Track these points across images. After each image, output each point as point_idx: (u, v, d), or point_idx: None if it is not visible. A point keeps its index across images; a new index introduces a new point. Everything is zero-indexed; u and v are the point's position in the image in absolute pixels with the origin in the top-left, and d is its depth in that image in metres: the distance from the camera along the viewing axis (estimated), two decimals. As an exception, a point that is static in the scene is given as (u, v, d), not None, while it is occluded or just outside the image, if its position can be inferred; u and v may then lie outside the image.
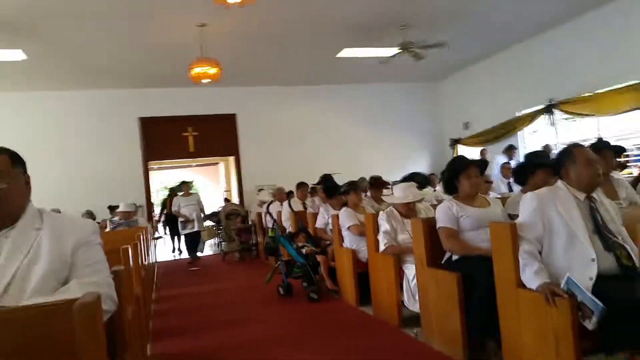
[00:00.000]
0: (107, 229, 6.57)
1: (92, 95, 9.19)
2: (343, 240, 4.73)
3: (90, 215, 8.08)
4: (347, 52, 8.19)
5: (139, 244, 3.73)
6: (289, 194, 7.83)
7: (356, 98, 10.81)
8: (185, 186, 8.93)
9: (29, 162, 1.67)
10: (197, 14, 6.08)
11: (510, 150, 8.56)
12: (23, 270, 1.46)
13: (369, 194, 5.83)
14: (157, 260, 9.26)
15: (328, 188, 5.74)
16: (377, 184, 5.73)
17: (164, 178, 15.23)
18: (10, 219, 1.56)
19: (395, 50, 7.44)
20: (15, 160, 1.59)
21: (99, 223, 7.82)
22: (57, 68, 7.81)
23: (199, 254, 8.82)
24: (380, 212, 3.89)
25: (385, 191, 5.84)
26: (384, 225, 3.75)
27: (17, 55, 6.79)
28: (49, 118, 8.95)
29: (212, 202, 13.13)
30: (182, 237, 8.94)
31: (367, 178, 6.32)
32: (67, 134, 9.03)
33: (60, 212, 7.52)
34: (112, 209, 7.98)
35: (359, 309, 4.27)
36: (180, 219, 8.59)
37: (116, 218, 7.56)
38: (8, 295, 1.41)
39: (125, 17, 6.01)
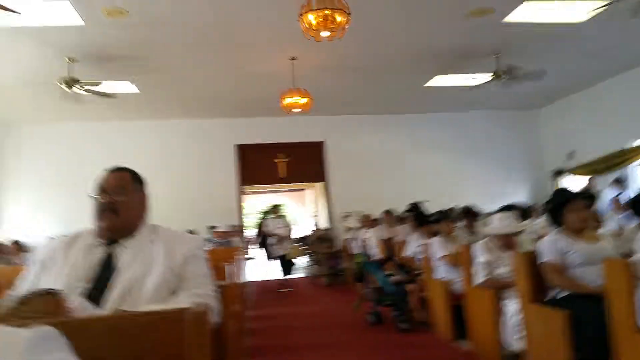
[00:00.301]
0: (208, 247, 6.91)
1: (194, 124, 9.85)
2: (434, 271, 4.59)
3: (191, 234, 8.57)
4: (437, 81, 8.13)
5: (235, 263, 3.90)
6: (376, 221, 7.78)
7: (446, 126, 10.60)
8: (276, 209, 9.11)
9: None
10: (289, 47, 6.41)
11: (619, 183, 7.84)
12: (139, 279, 1.57)
13: (461, 224, 5.63)
14: (249, 279, 9.56)
15: (418, 216, 5.64)
16: (470, 214, 5.52)
17: (257, 202, 15.80)
18: (128, 230, 1.70)
19: (488, 77, 7.24)
20: (135, 178, 1.77)
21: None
22: (164, 99, 8.51)
23: (288, 276, 8.87)
24: (477, 243, 3.74)
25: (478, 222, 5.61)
26: (481, 257, 3.60)
27: (130, 88, 7.52)
28: (156, 145, 9.70)
29: (300, 226, 13.38)
30: (274, 259, 9.01)
31: (459, 207, 6.12)
32: (171, 160, 9.70)
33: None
34: (212, 229, 8.40)
35: (453, 343, 4.09)
36: (270, 239, 8.78)
37: (213, 237, 7.95)
38: (125, 302, 1.51)
39: (225, 52, 6.47)
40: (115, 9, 5.01)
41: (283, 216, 9.16)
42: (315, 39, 5.10)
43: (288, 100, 7.08)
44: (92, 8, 4.96)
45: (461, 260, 3.92)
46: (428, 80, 8.19)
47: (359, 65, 7.25)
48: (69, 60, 6.17)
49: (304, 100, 7.09)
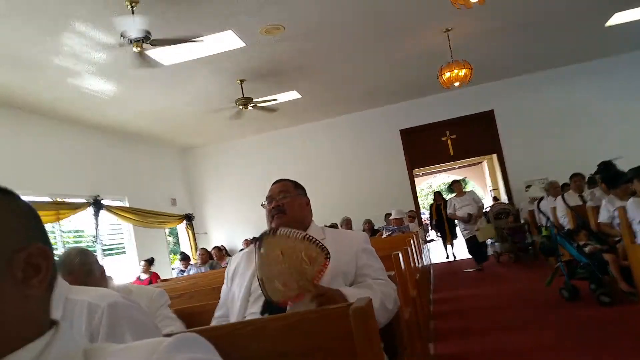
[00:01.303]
0: (384, 236, 7.17)
1: (355, 117, 10.18)
2: (635, 236, 4.06)
3: (369, 223, 8.95)
4: (622, 16, 7.03)
5: (410, 249, 4.00)
6: (563, 188, 7.10)
7: (636, 67, 9.06)
8: (457, 186, 8.58)
9: (312, 184, 2.07)
10: (441, 20, 6.20)
11: None
12: None
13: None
14: (432, 262, 9.57)
15: (608, 177, 5.01)
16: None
17: (430, 182, 15.67)
18: (297, 227, 1.91)
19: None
20: (295, 185, 2.02)
21: (377, 230, 8.61)
22: (325, 99, 8.94)
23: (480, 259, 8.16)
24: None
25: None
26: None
27: (293, 95, 8.14)
28: (321, 144, 10.29)
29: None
30: (462, 241, 8.62)
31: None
32: (338, 156, 10.18)
33: (351, 221, 8.39)
34: (388, 216, 8.64)
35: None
36: (457, 222, 8.51)
37: (390, 225, 8.20)
38: None
39: (377, 41, 6.53)
40: (272, 26, 5.51)
41: (467, 192, 8.59)
42: (465, 7, 4.88)
43: (447, 75, 6.91)
44: (251, 30, 5.51)
45: (665, 222, 3.41)
46: (609, 19, 7.13)
47: (521, 21, 6.64)
48: (239, 81, 6.97)
49: (463, 72, 6.84)
